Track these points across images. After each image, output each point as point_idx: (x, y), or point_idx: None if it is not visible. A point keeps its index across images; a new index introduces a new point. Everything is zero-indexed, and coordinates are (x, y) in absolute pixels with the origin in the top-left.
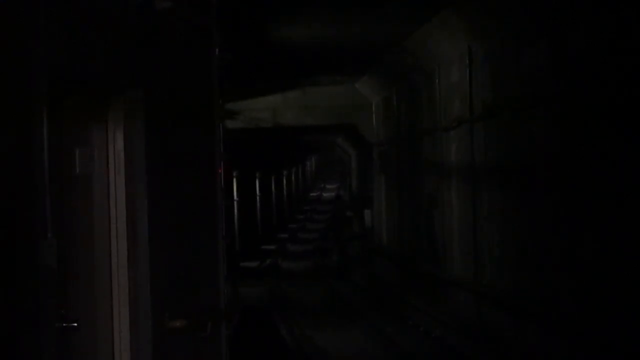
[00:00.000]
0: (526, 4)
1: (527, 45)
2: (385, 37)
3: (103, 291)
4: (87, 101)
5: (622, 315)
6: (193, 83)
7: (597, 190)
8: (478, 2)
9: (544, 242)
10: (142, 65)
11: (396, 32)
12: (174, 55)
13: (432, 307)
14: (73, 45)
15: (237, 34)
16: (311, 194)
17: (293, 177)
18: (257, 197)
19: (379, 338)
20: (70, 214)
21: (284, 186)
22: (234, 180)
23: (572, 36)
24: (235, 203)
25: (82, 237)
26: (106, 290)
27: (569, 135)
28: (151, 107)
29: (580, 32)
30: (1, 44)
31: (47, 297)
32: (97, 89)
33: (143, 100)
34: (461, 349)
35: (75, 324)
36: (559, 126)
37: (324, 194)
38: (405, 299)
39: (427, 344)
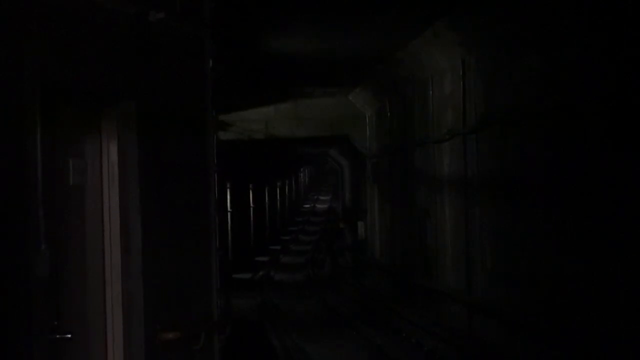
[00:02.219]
0: (519, 16)
1: (520, 58)
2: (379, 49)
3: (96, 302)
4: (81, 112)
5: (613, 325)
6: (186, 94)
7: (588, 203)
8: (471, 15)
9: (535, 254)
10: (135, 77)
11: (389, 44)
12: (168, 67)
13: (424, 319)
14: (66, 57)
15: (230, 45)
16: (304, 206)
17: (286, 189)
18: (251, 209)
19: (370, 350)
20: (63, 225)
21: (277, 198)
22: (228, 191)
23: (564, 48)
24: (228, 214)
25: (76, 248)
26: (99, 301)
27: (561, 147)
28: (144, 119)
29: (573, 44)
30: None
31: (39, 308)
32: (90, 101)
33: (136, 112)
34: (453, 359)
35: (69, 335)
36: (551, 138)
37: (317, 206)
38: (398, 310)
39: (419, 355)
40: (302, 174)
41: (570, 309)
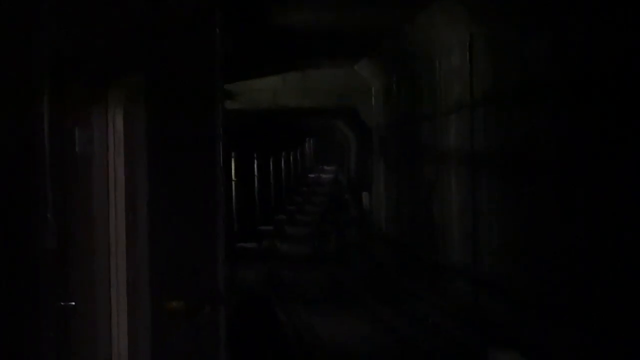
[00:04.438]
0: None
1: (529, 31)
2: (386, 22)
3: (102, 273)
4: (88, 84)
5: (617, 302)
6: (195, 65)
7: (594, 178)
8: None
9: (542, 229)
10: (143, 48)
11: (396, 17)
12: (176, 38)
13: (430, 293)
14: (74, 28)
15: (239, 17)
16: (310, 176)
17: (292, 159)
18: (256, 178)
19: (377, 324)
20: (69, 194)
21: (283, 168)
22: (232, 160)
23: (574, 22)
24: (233, 183)
25: (82, 218)
26: (105, 273)
27: (570, 122)
28: (152, 90)
29: (580, 16)
30: (2, 27)
31: (46, 278)
32: (98, 72)
33: (144, 83)
34: (458, 334)
35: (73, 303)
36: (560, 113)
37: (322, 176)
38: (404, 284)
39: (425, 329)
40: (307, 145)
41: (577, 284)
